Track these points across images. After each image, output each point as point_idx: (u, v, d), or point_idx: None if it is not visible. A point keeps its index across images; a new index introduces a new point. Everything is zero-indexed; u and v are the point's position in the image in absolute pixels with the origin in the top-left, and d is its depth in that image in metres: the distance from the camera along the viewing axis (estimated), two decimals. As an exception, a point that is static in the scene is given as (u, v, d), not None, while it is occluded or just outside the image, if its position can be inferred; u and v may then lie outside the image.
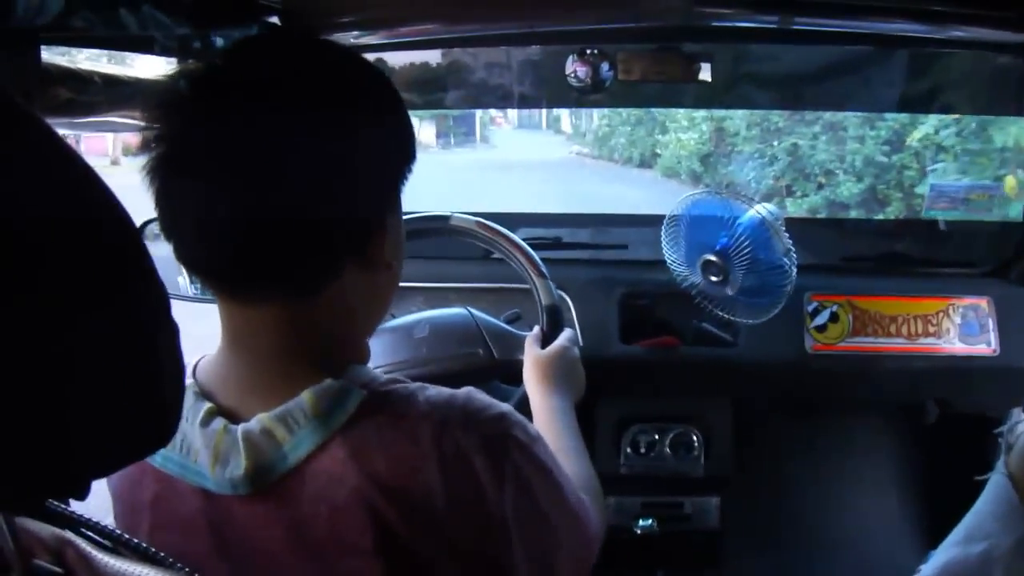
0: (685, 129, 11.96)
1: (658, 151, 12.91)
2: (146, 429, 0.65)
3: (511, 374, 1.70)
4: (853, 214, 7.39)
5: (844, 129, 7.86)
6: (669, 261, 2.08)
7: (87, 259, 0.57)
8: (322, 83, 0.96)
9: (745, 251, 1.96)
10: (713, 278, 2.01)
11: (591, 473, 1.40)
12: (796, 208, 7.91)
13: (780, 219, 2.01)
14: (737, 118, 10.15)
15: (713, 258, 1.99)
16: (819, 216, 7.69)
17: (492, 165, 14.74)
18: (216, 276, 0.97)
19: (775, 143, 9.06)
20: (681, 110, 10.83)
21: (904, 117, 6.74)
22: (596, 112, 14.63)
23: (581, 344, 1.75)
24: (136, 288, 0.61)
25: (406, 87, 2.52)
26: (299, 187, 0.91)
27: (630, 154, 13.96)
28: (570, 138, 17.91)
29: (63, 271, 0.55)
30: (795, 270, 1.97)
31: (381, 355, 1.75)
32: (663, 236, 2.08)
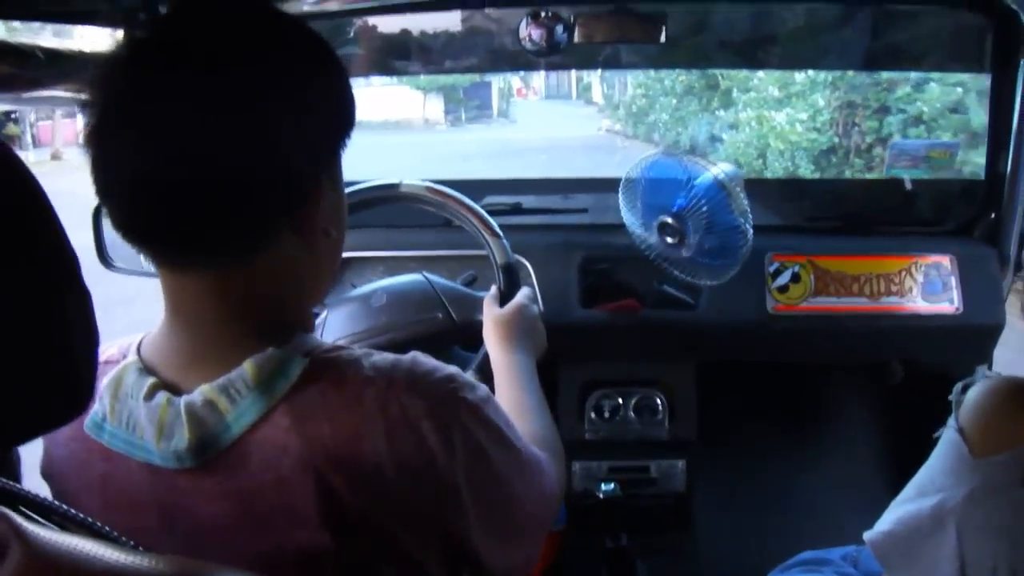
0: (777, 104, 8.21)
1: (719, 134, 9.40)
2: (59, 396, 0.64)
3: (472, 336, 1.71)
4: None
5: None
6: (628, 224, 2.08)
7: None
8: (253, 45, 0.96)
9: (702, 212, 1.95)
10: (669, 239, 2.01)
11: (552, 430, 1.41)
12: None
13: (738, 180, 2.01)
14: (913, 87, 6.50)
15: (669, 220, 1.99)
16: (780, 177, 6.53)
17: (503, 149, 12.68)
18: (150, 242, 0.97)
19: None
20: (764, 73, 7.62)
21: None
22: (630, 79, 12.97)
23: (540, 302, 1.75)
24: (41, 250, 0.61)
25: (360, 53, 2.51)
26: (226, 149, 0.91)
27: (676, 136, 10.75)
28: (601, 110, 16.12)
29: None
30: (751, 231, 1.97)
31: (340, 327, 1.76)
32: (620, 199, 2.07)
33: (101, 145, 0.92)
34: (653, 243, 2.05)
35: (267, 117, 0.94)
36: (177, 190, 0.91)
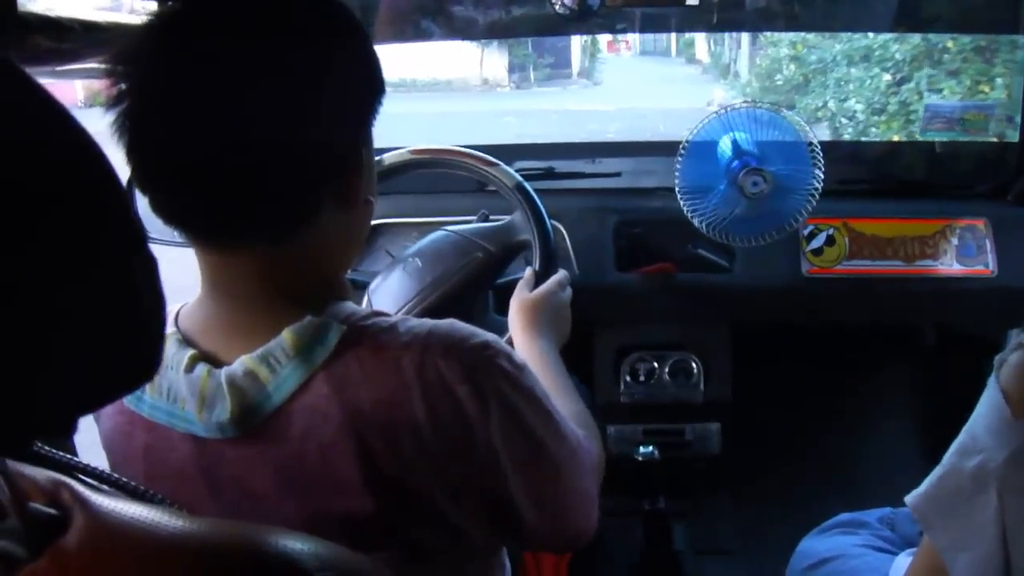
0: None
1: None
2: (129, 362, 0.64)
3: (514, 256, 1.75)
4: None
5: None
6: (685, 184, 2.05)
7: (58, 193, 0.57)
8: (284, 20, 0.94)
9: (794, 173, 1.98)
10: (752, 185, 1.97)
11: (585, 409, 1.40)
12: None
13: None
14: None
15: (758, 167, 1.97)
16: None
17: (567, 131, 9.34)
18: (193, 227, 0.96)
19: None
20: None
21: None
22: (751, 36, 9.89)
23: (575, 266, 1.73)
24: (110, 220, 0.61)
25: (383, 19, 2.49)
26: (269, 128, 0.90)
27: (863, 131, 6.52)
28: (706, 71, 13.09)
29: (33, 206, 0.55)
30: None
31: (392, 302, 1.75)
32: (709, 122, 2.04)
33: (136, 130, 0.90)
34: (720, 189, 2.01)
35: (305, 87, 0.92)
36: (221, 175, 0.90)
